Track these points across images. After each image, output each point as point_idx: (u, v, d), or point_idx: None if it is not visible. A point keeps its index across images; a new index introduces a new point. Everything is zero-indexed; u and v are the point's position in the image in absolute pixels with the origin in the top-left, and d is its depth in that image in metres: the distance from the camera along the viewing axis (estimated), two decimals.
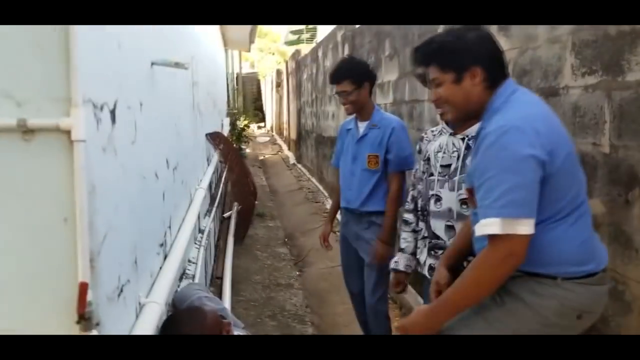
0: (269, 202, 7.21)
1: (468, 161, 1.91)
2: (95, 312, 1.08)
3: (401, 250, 2.28)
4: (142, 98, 1.63)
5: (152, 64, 1.81)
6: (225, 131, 7.72)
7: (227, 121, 8.80)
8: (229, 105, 10.45)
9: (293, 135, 12.18)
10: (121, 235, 1.32)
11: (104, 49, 1.24)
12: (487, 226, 1.28)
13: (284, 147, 14.40)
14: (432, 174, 2.06)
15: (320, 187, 7.83)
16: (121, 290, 1.30)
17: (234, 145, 8.24)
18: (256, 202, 6.33)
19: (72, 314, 1.05)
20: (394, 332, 2.73)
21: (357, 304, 2.85)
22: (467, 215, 1.89)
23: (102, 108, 1.17)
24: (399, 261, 2.28)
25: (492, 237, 1.29)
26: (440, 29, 3.21)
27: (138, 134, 1.55)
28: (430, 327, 1.41)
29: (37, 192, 1.05)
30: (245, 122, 13.27)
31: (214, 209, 4.49)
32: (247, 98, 21.91)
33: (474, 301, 1.36)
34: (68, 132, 1.02)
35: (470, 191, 1.45)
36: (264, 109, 22.96)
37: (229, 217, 5.51)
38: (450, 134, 2.03)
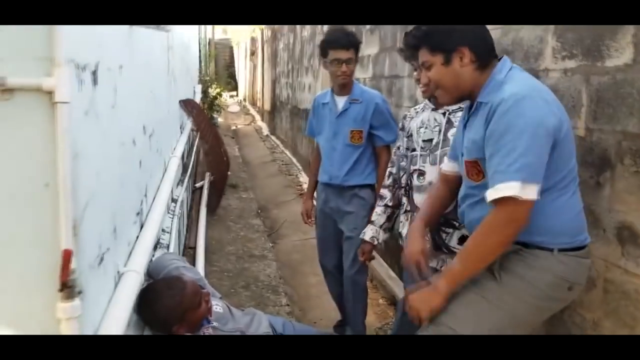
0: (242, 173, 7.15)
1: (449, 134, 1.96)
2: (78, 280, 1.06)
3: (371, 222, 2.38)
4: (121, 60, 1.57)
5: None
6: (197, 99, 7.56)
7: (199, 88, 8.61)
8: (200, 72, 10.21)
9: (267, 106, 12.04)
10: (102, 202, 1.29)
11: None
12: (504, 190, 1.31)
13: (257, 117, 14.24)
14: (414, 150, 2.11)
15: (294, 160, 7.81)
16: (102, 259, 1.28)
17: (207, 113, 8.08)
18: (229, 173, 6.28)
19: (54, 282, 1.03)
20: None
21: (330, 280, 2.87)
22: None
23: (84, 69, 1.12)
24: (366, 232, 2.38)
25: (498, 201, 1.33)
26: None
27: (118, 98, 1.50)
28: (438, 299, 1.42)
29: (16, 156, 1.00)
30: (218, 90, 13.01)
31: (187, 179, 4.43)
32: (219, 65, 21.46)
33: (478, 269, 1.40)
34: (50, 93, 0.98)
35: (472, 163, 1.48)
36: (237, 77, 22.53)
37: (201, 187, 5.45)
38: (432, 110, 2.08)
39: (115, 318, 1.29)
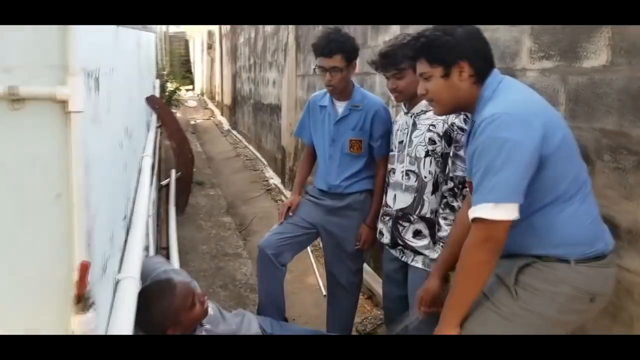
0: (207, 170, 7.05)
1: (413, 136, 2.10)
2: (92, 291, 1.04)
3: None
4: (112, 63, 1.52)
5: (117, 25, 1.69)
6: (156, 94, 7.37)
7: (157, 83, 8.40)
8: (157, 66, 9.95)
9: (227, 101, 11.87)
10: (104, 210, 1.26)
11: None
12: (477, 211, 1.33)
13: (217, 112, 14.00)
14: (392, 150, 2.24)
15: (259, 155, 7.76)
16: (105, 268, 1.25)
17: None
18: (194, 170, 6.17)
19: (68, 295, 1.00)
20: None
21: (268, 267, 2.53)
22: (408, 185, 2.10)
23: (90, 75, 1.09)
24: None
25: (474, 222, 1.35)
26: (397, 28, 3.25)
27: (111, 102, 1.46)
28: (447, 330, 1.42)
29: (27, 167, 0.97)
30: (176, 84, 12.74)
31: (154, 177, 4.33)
32: (174, 59, 20.95)
33: (471, 292, 1.39)
34: (63, 102, 0.94)
35: (469, 183, 1.48)
36: (193, 71, 22.07)
37: (167, 185, 5.34)
38: (405, 113, 2.21)
39: (120, 328, 1.27)
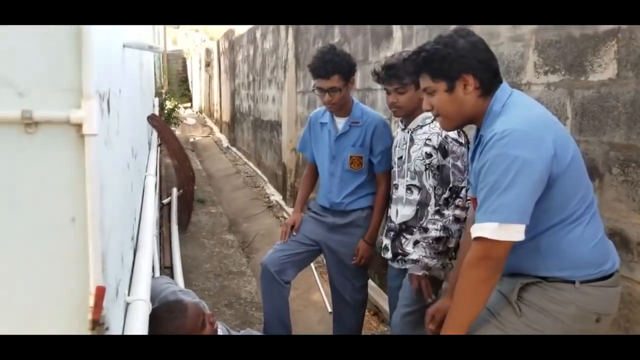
0: (207, 187, 7.02)
1: (411, 151, 2.15)
2: (107, 316, 1.02)
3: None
4: (120, 84, 1.52)
5: (124, 46, 1.69)
6: (156, 112, 7.39)
7: (156, 101, 8.42)
8: (155, 84, 9.99)
9: (226, 118, 11.89)
10: (115, 232, 1.24)
11: (98, 31, 1.14)
12: (480, 230, 1.29)
13: (216, 129, 14.03)
14: (392, 167, 2.31)
15: (259, 172, 7.74)
16: (117, 291, 1.23)
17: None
18: (195, 187, 6.15)
19: (83, 320, 0.98)
20: None
21: (274, 285, 2.50)
22: (410, 199, 2.14)
23: (103, 98, 1.08)
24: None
25: (475, 239, 1.31)
26: (397, 28, 3.27)
27: (120, 123, 1.45)
28: None
29: (41, 191, 0.95)
30: (175, 103, 12.79)
31: (156, 196, 4.32)
32: (172, 77, 21.07)
33: (470, 311, 1.35)
34: (77, 125, 0.93)
35: (474, 200, 1.45)
36: (191, 89, 22.18)
37: (169, 204, 5.31)
38: (402, 129, 2.26)
39: None
